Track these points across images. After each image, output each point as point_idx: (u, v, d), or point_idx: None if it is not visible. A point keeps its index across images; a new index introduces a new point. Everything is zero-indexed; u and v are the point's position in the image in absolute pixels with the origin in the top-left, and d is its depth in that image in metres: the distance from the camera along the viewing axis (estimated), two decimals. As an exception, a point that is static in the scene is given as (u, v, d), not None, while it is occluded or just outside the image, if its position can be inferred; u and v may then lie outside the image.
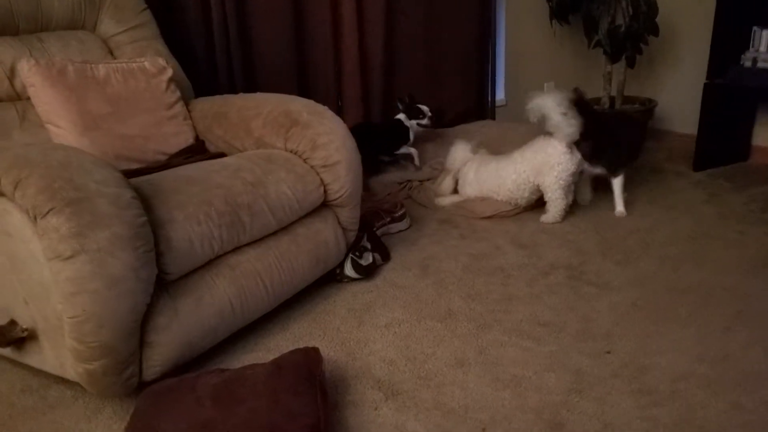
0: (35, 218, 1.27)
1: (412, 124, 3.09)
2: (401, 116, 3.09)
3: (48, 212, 1.25)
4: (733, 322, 1.80)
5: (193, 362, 1.65)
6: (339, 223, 2.06)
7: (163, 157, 2.01)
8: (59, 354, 1.45)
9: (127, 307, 1.34)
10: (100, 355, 1.35)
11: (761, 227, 2.45)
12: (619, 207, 2.68)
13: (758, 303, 1.89)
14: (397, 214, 2.59)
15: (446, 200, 2.88)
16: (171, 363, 1.52)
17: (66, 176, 1.29)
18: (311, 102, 2.05)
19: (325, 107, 2.04)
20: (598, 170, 2.67)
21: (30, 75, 1.82)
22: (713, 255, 2.24)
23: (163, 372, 1.51)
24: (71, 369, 1.43)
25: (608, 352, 1.69)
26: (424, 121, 3.09)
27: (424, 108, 3.09)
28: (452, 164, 2.92)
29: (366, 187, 2.89)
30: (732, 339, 1.72)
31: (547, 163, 2.53)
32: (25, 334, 1.48)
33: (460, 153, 2.91)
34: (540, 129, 2.59)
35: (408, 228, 2.63)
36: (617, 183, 2.69)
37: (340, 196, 1.99)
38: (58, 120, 1.83)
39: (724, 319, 1.82)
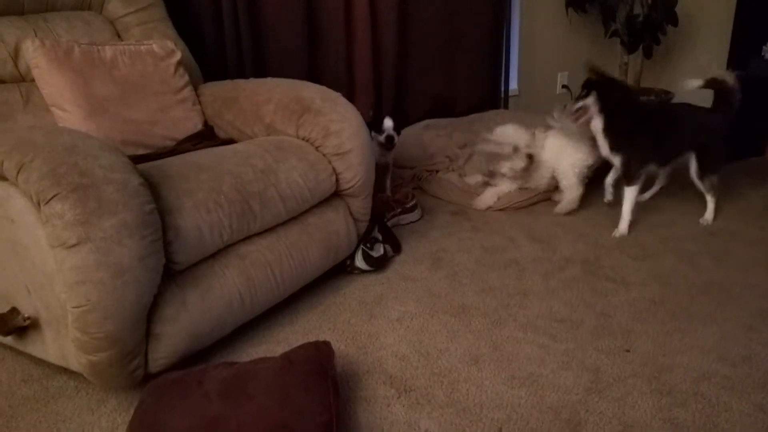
0: (39, 204, 1.22)
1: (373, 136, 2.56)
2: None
3: (52, 198, 1.20)
4: (755, 321, 1.75)
5: (200, 354, 1.61)
6: (350, 213, 2.01)
7: (170, 143, 1.96)
8: (62, 344, 1.41)
9: (133, 297, 1.29)
10: (105, 346, 1.30)
11: (782, 223, 2.39)
12: (621, 224, 2.37)
13: (781, 302, 1.84)
14: (408, 205, 2.53)
15: (488, 199, 2.67)
16: (178, 355, 1.47)
17: (71, 161, 1.24)
18: (324, 88, 1.99)
19: (338, 94, 1.98)
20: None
21: (35, 56, 1.77)
22: (733, 251, 2.18)
23: (169, 364, 1.47)
24: (74, 360, 1.38)
25: (627, 351, 1.64)
26: (381, 137, 2.56)
27: (387, 123, 2.55)
28: (503, 145, 2.56)
29: (382, 188, 2.72)
30: (755, 338, 1.67)
31: (563, 153, 2.48)
32: (27, 323, 1.44)
33: (510, 132, 2.58)
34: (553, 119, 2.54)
35: (419, 219, 2.58)
36: (628, 194, 2.34)
37: (352, 186, 1.93)
38: (63, 103, 1.77)
39: (746, 317, 1.77)
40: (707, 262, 2.11)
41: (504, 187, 2.64)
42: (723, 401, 1.43)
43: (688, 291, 1.93)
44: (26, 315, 1.44)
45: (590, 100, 2.26)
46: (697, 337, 1.68)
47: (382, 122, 2.56)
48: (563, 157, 2.51)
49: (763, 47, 2.90)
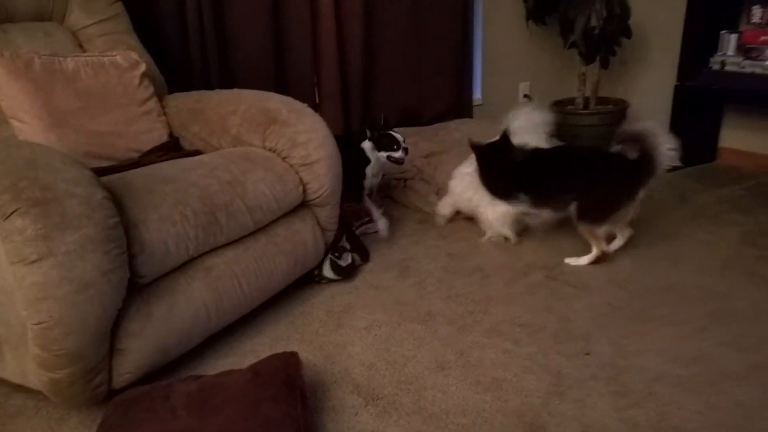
0: (-1, 219, 1.21)
1: (379, 156, 2.47)
2: (366, 144, 2.46)
3: (12, 213, 1.19)
4: (707, 323, 1.82)
5: (165, 368, 1.60)
6: (318, 223, 2.02)
7: (135, 155, 1.95)
8: (21, 362, 1.38)
9: (96, 312, 1.28)
10: (67, 363, 1.29)
11: (731, 228, 2.49)
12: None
13: (731, 303, 1.92)
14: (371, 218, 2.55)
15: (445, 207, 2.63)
16: (143, 370, 1.46)
17: (32, 175, 1.23)
18: (290, 99, 2.01)
19: (305, 105, 2.00)
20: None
21: (-7, 67, 1.74)
22: (687, 255, 2.26)
23: (134, 379, 1.46)
24: (35, 377, 1.36)
25: (587, 354, 1.69)
26: (398, 154, 2.46)
27: (399, 137, 2.46)
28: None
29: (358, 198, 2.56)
30: (706, 339, 1.74)
31: None
32: (-13, 340, 1.41)
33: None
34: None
35: (387, 228, 2.59)
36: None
37: (319, 196, 1.95)
38: (23, 115, 1.75)
39: (698, 319, 1.84)
40: (662, 266, 2.19)
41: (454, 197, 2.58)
42: (676, 400, 1.49)
43: (645, 294, 1.99)
44: (-15, 332, 1.41)
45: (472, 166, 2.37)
46: (652, 339, 1.75)
47: (385, 138, 2.44)
48: None
49: (711, 58, 3.02)
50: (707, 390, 1.52)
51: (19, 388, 1.57)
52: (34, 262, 1.19)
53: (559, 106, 3.60)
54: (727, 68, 2.91)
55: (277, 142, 1.91)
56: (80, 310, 1.24)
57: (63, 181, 1.26)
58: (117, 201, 1.40)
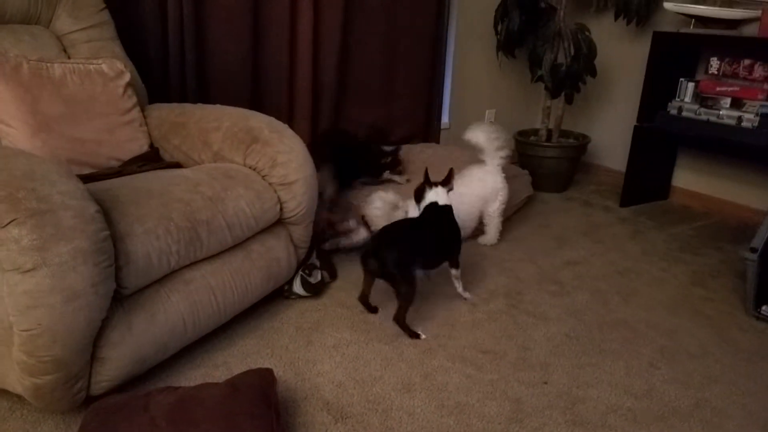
0: (-7, 228, 1.23)
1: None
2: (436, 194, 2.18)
3: (9, 223, 1.21)
4: (656, 358, 1.95)
5: (140, 377, 1.63)
6: (291, 240, 2.08)
7: (115, 163, 1.97)
8: (1, 365, 1.39)
9: (83, 322, 1.31)
10: (51, 369, 1.32)
11: (680, 266, 2.65)
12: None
13: (679, 341, 2.05)
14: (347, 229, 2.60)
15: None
16: (120, 379, 1.49)
17: (30, 186, 1.26)
18: (272, 119, 2.06)
19: (286, 125, 2.06)
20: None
21: (-19, 69, 1.74)
22: (639, 291, 2.41)
23: (112, 387, 1.49)
24: (15, 382, 1.38)
25: (545, 383, 1.79)
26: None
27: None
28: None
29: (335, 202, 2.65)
30: (655, 374, 1.87)
31: (493, 191, 2.66)
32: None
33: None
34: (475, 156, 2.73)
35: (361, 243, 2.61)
36: None
37: (295, 214, 2.01)
38: (9, 119, 1.76)
39: (648, 354, 1.97)
40: (616, 300, 2.32)
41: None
42: None
43: (599, 327, 2.12)
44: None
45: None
46: (606, 371, 1.86)
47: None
48: (491, 199, 2.69)
49: (669, 103, 3.21)
50: (656, 424, 1.64)
51: (-9, 391, 1.58)
52: (28, 271, 1.22)
53: (523, 135, 3.75)
54: (684, 114, 3.09)
55: (258, 161, 1.96)
56: (68, 320, 1.27)
57: (59, 193, 1.29)
58: (105, 213, 1.43)
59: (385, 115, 3.49)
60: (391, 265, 1.92)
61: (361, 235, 2.60)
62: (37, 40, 2.01)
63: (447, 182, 2.20)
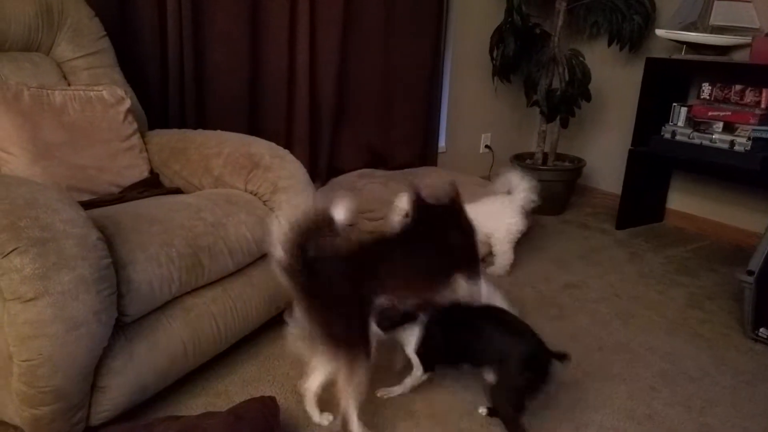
0: (-5, 256, 1.22)
1: None
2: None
3: (11, 251, 1.21)
4: (657, 381, 1.94)
5: (140, 405, 1.60)
6: (292, 266, 2.07)
7: (116, 190, 1.96)
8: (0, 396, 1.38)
9: (84, 351, 1.30)
10: (51, 400, 1.30)
11: (677, 288, 2.66)
12: None
13: (678, 364, 2.05)
14: None
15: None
16: (121, 407, 1.48)
17: (32, 215, 1.26)
18: (273, 145, 2.07)
19: (287, 151, 2.07)
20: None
21: (-18, 97, 1.75)
22: (638, 313, 2.41)
23: (112, 416, 1.47)
24: (14, 413, 1.36)
25: (546, 409, 1.78)
26: None
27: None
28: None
29: None
30: (656, 398, 1.86)
31: (502, 217, 2.67)
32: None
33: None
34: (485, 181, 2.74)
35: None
36: None
37: (296, 241, 2.00)
38: (9, 146, 1.75)
39: (649, 377, 1.97)
40: (616, 323, 2.32)
41: None
42: (631, 456, 1.60)
43: (600, 352, 2.11)
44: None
45: None
46: (608, 396, 1.86)
47: None
48: (499, 222, 2.69)
49: (663, 127, 3.24)
50: (657, 447, 1.63)
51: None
52: (29, 300, 1.21)
53: (519, 159, 3.77)
54: (677, 138, 3.13)
55: (260, 186, 1.97)
56: (69, 349, 1.26)
57: (61, 222, 1.28)
58: (107, 240, 1.43)
59: (384, 140, 3.51)
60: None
61: None
62: (38, 68, 2.02)
63: None
